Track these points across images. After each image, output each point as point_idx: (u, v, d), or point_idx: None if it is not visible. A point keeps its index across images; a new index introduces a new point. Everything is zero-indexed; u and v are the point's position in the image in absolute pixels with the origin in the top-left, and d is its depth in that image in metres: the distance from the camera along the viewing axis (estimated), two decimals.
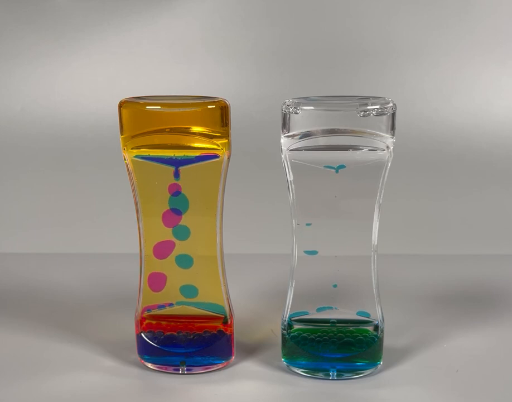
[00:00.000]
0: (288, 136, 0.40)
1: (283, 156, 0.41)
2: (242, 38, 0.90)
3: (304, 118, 0.40)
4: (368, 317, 0.43)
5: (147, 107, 0.40)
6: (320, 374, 0.43)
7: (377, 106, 0.39)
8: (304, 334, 0.43)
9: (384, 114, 0.39)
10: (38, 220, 0.78)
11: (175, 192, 0.42)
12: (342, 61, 0.89)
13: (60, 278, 0.62)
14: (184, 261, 0.43)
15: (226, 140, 0.41)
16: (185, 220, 0.42)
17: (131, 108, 0.40)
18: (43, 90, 0.90)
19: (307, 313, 0.44)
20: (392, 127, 0.40)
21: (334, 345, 0.43)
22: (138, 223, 0.43)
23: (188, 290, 0.44)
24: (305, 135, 0.40)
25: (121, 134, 0.41)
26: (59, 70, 0.90)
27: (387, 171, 0.41)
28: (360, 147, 0.40)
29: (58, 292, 0.59)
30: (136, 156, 0.41)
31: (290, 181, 0.41)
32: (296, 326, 0.44)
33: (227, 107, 0.41)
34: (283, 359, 0.44)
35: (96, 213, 0.78)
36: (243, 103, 0.86)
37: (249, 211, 0.76)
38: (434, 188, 0.82)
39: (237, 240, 0.59)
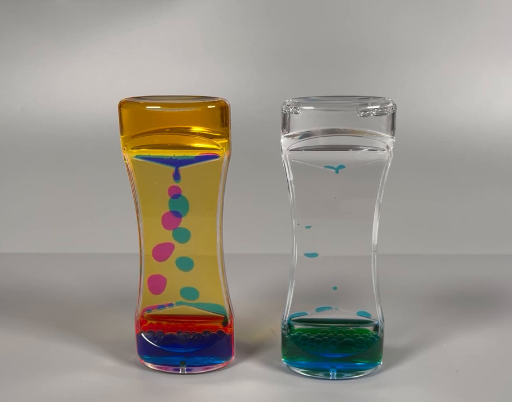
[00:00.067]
0: (288, 136, 0.40)
1: (283, 156, 0.41)
2: (242, 38, 0.90)
3: (304, 118, 0.40)
4: (369, 318, 0.43)
5: (147, 107, 0.40)
6: (320, 374, 0.43)
7: (377, 106, 0.39)
8: (304, 334, 0.43)
9: (384, 114, 0.39)
10: (38, 220, 0.78)
11: (176, 195, 0.42)
12: (342, 61, 0.89)
13: (60, 278, 0.62)
14: (185, 264, 0.43)
15: (226, 140, 0.41)
16: (185, 222, 0.42)
17: (131, 108, 0.40)
18: (43, 90, 0.90)
19: (307, 313, 0.44)
20: (392, 127, 0.40)
21: (334, 345, 0.43)
22: (138, 223, 0.43)
23: (189, 292, 0.44)
24: (305, 135, 0.40)
25: (121, 134, 0.41)
26: (59, 70, 0.90)
27: (387, 171, 0.41)
28: (360, 147, 0.40)
29: (58, 292, 0.59)
30: (136, 156, 0.41)
31: (290, 181, 0.41)
32: (296, 326, 0.44)
33: (227, 107, 0.41)
34: (283, 359, 0.44)
35: (96, 213, 0.78)
36: (243, 103, 0.86)
37: (249, 211, 0.76)
38: (434, 188, 0.82)
39: (237, 240, 0.59)
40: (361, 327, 0.43)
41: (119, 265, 0.64)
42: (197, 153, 0.41)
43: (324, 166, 0.40)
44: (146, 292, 0.44)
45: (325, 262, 0.42)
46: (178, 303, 0.44)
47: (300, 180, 0.41)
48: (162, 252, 0.43)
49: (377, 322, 0.43)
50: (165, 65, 0.90)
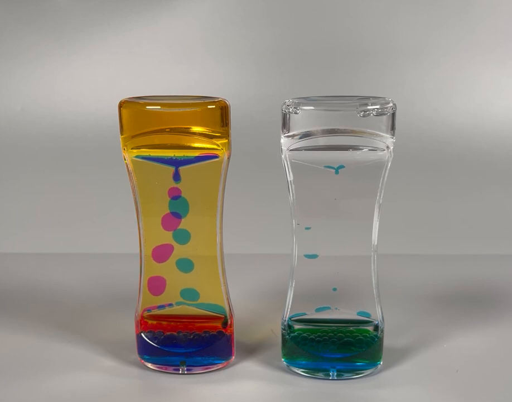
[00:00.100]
0: (288, 136, 0.40)
1: (283, 156, 0.41)
2: (242, 38, 0.90)
3: (304, 118, 0.40)
4: (369, 318, 0.43)
5: (147, 107, 0.40)
6: (320, 374, 0.43)
7: (377, 106, 0.39)
8: (304, 334, 0.43)
9: (384, 114, 0.39)
10: (38, 220, 0.78)
11: (176, 196, 0.42)
12: (342, 61, 0.89)
13: (60, 278, 0.62)
14: (185, 265, 0.43)
15: (226, 140, 0.41)
16: (185, 223, 0.42)
17: (131, 108, 0.40)
18: (43, 90, 0.90)
19: (307, 313, 0.44)
20: (392, 127, 0.40)
21: (334, 345, 0.43)
22: (138, 223, 0.43)
23: (189, 293, 0.44)
24: (305, 135, 0.40)
25: (121, 134, 0.41)
26: (59, 70, 0.90)
27: (387, 171, 0.41)
28: (360, 147, 0.40)
29: (58, 292, 0.59)
30: (136, 156, 0.41)
31: (290, 181, 0.41)
32: (296, 327, 0.44)
33: (227, 107, 0.41)
34: (283, 359, 0.44)
35: (96, 213, 0.78)
36: (243, 103, 0.86)
37: (249, 211, 0.76)
38: (434, 188, 0.82)
39: (237, 240, 0.59)
40: (361, 327, 0.43)
41: (119, 265, 0.64)
42: (197, 153, 0.41)
43: (324, 166, 0.40)
44: (146, 294, 0.44)
45: (325, 263, 0.42)
46: (178, 303, 0.44)
47: (300, 180, 0.41)
48: (161, 253, 0.43)
49: (377, 322, 0.43)
50: (165, 65, 0.90)
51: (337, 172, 0.40)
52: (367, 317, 0.43)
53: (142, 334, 0.44)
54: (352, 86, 0.89)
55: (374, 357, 0.43)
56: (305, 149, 0.40)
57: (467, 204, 0.79)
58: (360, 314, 0.43)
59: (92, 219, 0.77)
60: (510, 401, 0.41)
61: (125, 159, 0.41)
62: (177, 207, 0.42)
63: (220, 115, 0.40)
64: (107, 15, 0.90)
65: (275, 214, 0.63)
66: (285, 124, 0.40)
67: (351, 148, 0.40)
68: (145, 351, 0.44)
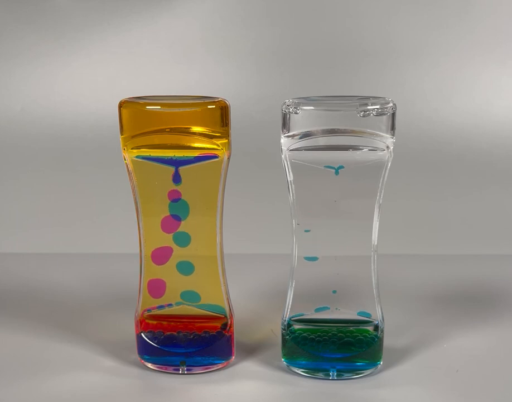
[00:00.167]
0: (288, 136, 0.40)
1: (283, 156, 0.41)
2: (242, 38, 0.90)
3: (304, 118, 0.40)
4: (369, 318, 0.43)
5: (147, 107, 0.40)
6: (320, 374, 0.43)
7: (377, 106, 0.39)
8: (304, 334, 0.43)
9: (384, 114, 0.39)
10: (38, 220, 0.78)
11: (175, 199, 0.42)
12: (342, 61, 0.89)
13: (60, 278, 0.62)
14: (186, 268, 0.43)
15: (226, 140, 0.41)
16: (185, 226, 0.42)
17: (131, 108, 0.40)
18: (43, 90, 0.90)
19: (307, 313, 0.44)
20: (392, 127, 0.40)
21: (334, 345, 0.43)
22: (138, 223, 0.43)
23: (190, 296, 0.44)
24: (305, 135, 0.40)
25: (121, 134, 0.41)
26: (59, 70, 0.90)
27: (387, 171, 0.41)
28: (360, 147, 0.40)
29: (58, 292, 0.59)
30: (136, 156, 0.41)
31: (290, 181, 0.41)
32: (296, 327, 0.44)
33: (227, 107, 0.41)
34: (283, 359, 0.44)
35: (96, 213, 0.78)
36: (243, 103, 0.86)
37: (249, 211, 0.76)
38: (434, 188, 0.82)
39: (237, 240, 0.59)
40: (361, 327, 0.43)
41: (119, 265, 0.64)
42: (196, 153, 0.41)
43: (324, 166, 0.40)
44: (146, 296, 0.44)
45: (326, 263, 0.42)
46: (178, 303, 0.44)
47: (300, 180, 0.41)
48: (161, 256, 0.43)
49: (377, 322, 0.43)
50: (165, 65, 0.90)
51: (337, 173, 0.40)
52: (367, 317, 0.43)
53: (142, 334, 0.44)
54: (352, 86, 0.89)
55: (374, 357, 0.43)
56: (305, 149, 0.40)
57: (467, 204, 0.79)
58: (360, 314, 0.43)
59: (92, 219, 0.77)
60: (510, 401, 0.41)
61: (125, 159, 0.41)
62: (177, 210, 0.42)
63: (220, 115, 0.40)
64: (107, 15, 0.90)
65: (275, 214, 0.63)
66: (285, 124, 0.40)
67: (351, 148, 0.40)
68: (145, 351, 0.44)
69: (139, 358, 0.45)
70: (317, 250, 0.42)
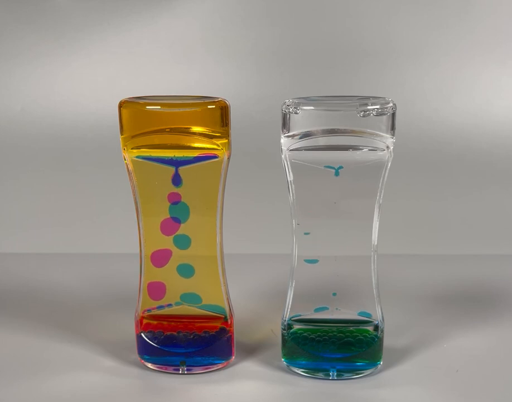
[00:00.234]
0: (288, 136, 0.40)
1: (283, 156, 0.41)
2: (242, 38, 0.90)
3: (304, 118, 0.40)
4: (370, 318, 0.43)
5: (147, 107, 0.40)
6: (320, 374, 0.43)
7: (377, 106, 0.39)
8: (305, 334, 0.43)
9: (384, 114, 0.39)
10: (38, 220, 0.78)
11: (175, 202, 0.42)
12: (342, 61, 0.89)
13: (60, 278, 0.62)
14: (186, 271, 0.43)
15: (226, 140, 0.41)
16: (185, 228, 0.42)
17: (131, 108, 0.40)
18: (43, 90, 0.90)
19: (307, 313, 0.44)
20: (392, 127, 0.40)
21: (334, 345, 0.43)
22: (138, 223, 0.43)
23: (190, 297, 0.44)
24: (305, 135, 0.40)
25: (121, 134, 0.41)
26: (59, 70, 0.90)
27: (387, 171, 0.41)
28: (360, 147, 0.40)
29: (58, 292, 0.59)
30: (136, 156, 0.41)
31: (290, 181, 0.41)
32: (296, 327, 0.44)
33: (227, 107, 0.41)
34: (283, 359, 0.44)
35: (96, 213, 0.78)
36: (243, 103, 0.86)
37: (249, 211, 0.76)
38: (434, 188, 0.82)
39: (237, 240, 0.59)
40: (361, 327, 0.43)
41: (119, 265, 0.64)
42: (196, 154, 0.41)
43: (324, 166, 0.40)
44: (146, 297, 0.44)
45: (326, 264, 0.42)
46: (177, 303, 0.44)
47: (300, 180, 0.41)
48: (160, 258, 0.43)
49: (377, 322, 0.43)
50: (165, 65, 0.90)
51: (337, 174, 0.40)
52: (368, 317, 0.43)
53: (142, 334, 0.44)
54: (352, 86, 0.89)
55: (374, 357, 0.43)
56: (305, 149, 0.40)
57: (467, 204, 0.79)
58: (360, 314, 0.43)
59: (92, 219, 0.77)
60: (510, 401, 0.41)
61: (125, 160, 0.41)
62: (177, 213, 0.42)
63: (220, 115, 0.40)
64: (107, 15, 0.90)
65: (275, 214, 0.63)
66: (285, 124, 0.40)
67: (351, 148, 0.40)
68: (145, 351, 0.44)
69: (139, 358, 0.45)
70: (317, 251, 0.42)
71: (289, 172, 0.41)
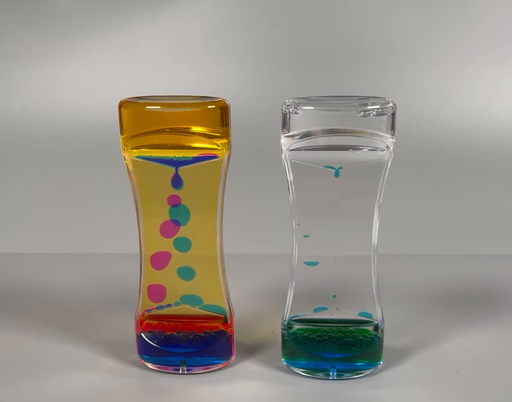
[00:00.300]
0: (288, 136, 0.40)
1: (283, 156, 0.41)
2: (242, 38, 0.90)
3: (304, 118, 0.40)
4: (370, 318, 0.43)
5: (147, 107, 0.40)
6: (320, 374, 0.43)
7: (377, 106, 0.39)
8: (305, 334, 0.43)
9: (384, 114, 0.39)
10: (38, 220, 0.78)
11: (175, 204, 0.42)
12: (342, 61, 0.89)
13: (60, 278, 0.62)
14: (186, 273, 0.43)
15: (226, 140, 0.41)
16: (185, 231, 0.42)
17: (131, 108, 0.40)
18: (43, 90, 0.90)
19: (307, 313, 0.44)
20: (392, 127, 0.40)
21: (334, 345, 0.43)
22: (138, 223, 0.43)
23: (191, 299, 0.44)
24: (305, 135, 0.40)
25: (121, 134, 0.41)
26: (59, 70, 0.90)
27: (387, 171, 0.41)
28: (360, 147, 0.40)
29: (58, 292, 0.59)
30: (136, 156, 0.41)
31: (290, 181, 0.41)
32: (296, 326, 0.44)
33: (227, 107, 0.41)
34: (283, 359, 0.44)
35: (96, 213, 0.78)
36: (243, 103, 0.86)
37: (249, 211, 0.76)
38: (434, 188, 0.82)
39: (237, 240, 0.59)
40: (361, 327, 0.43)
41: (119, 265, 0.64)
42: (196, 154, 0.41)
43: (324, 166, 0.40)
44: (145, 299, 0.44)
45: (326, 264, 0.42)
46: (177, 303, 0.44)
47: (300, 180, 0.41)
48: (160, 260, 0.43)
49: (377, 322, 0.43)
50: (165, 65, 0.90)
51: (337, 175, 0.40)
52: (368, 317, 0.43)
53: (142, 334, 0.44)
54: (352, 86, 0.89)
55: (374, 357, 0.43)
56: (305, 149, 0.40)
57: (467, 204, 0.79)
58: (361, 314, 0.43)
59: (92, 219, 0.77)
60: (510, 401, 0.41)
61: (125, 160, 0.41)
62: (177, 215, 0.42)
63: (220, 115, 0.40)
64: (107, 15, 0.90)
65: (275, 214, 0.63)
66: (285, 124, 0.40)
67: (351, 148, 0.40)
68: (145, 351, 0.44)
69: (139, 358, 0.45)
70: (317, 251, 0.42)
71: (289, 172, 0.41)
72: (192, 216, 0.42)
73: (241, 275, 0.58)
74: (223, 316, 0.44)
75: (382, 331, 0.43)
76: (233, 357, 0.45)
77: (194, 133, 0.40)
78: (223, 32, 0.90)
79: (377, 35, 0.89)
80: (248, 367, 0.45)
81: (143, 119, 0.40)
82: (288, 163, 0.41)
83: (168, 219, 0.42)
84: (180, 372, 0.44)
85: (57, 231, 0.75)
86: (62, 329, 0.51)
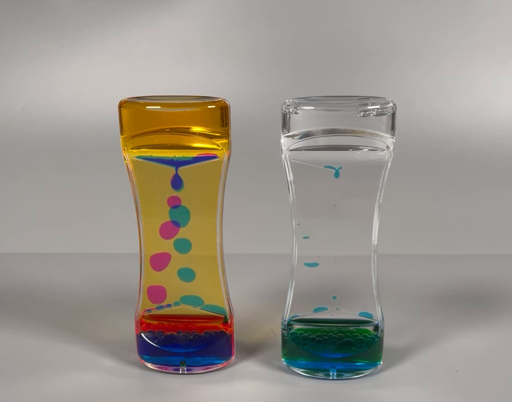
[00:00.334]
0: (288, 136, 0.40)
1: (283, 156, 0.41)
2: (242, 38, 0.90)
3: (304, 118, 0.40)
4: (371, 318, 0.43)
5: (147, 107, 0.40)
6: (320, 374, 0.43)
7: (377, 106, 0.39)
8: (305, 334, 0.43)
9: (384, 114, 0.39)
10: (38, 220, 0.78)
11: (175, 206, 0.42)
12: (342, 61, 0.89)
13: (60, 278, 0.62)
14: (187, 275, 0.43)
15: (226, 140, 0.41)
16: (185, 232, 0.42)
17: (131, 108, 0.40)
18: (43, 90, 0.90)
19: (307, 313, 0.44)
20: (392, 127, 0.40)
21: (334, 345, 0.43)
22: (138, 223, 0.43)
23: (192, 300, 0.44)
24: (305, 135, 0.40)
25: (121, 134, 0.41)
26: (59, 70, 0.90)
27: (387, 171, 0.41)
28: (360, 147, 0.40)
29: (58, 292, 0.59)
30: (136, 156, 0.41)
31: (290, 181, 0.41)
32: (296, 326, 0.44)
33: (227, 107, 0.41)
34: (283, 359, 0.44)
35: (96, 213, 0.78)
36: (243, 103, 0.86)
37: (249, 211, 0.76)
38: (434, 188, 0.82)
39: (237, 240, 0.59)
40: (361, 327, 0.43)
41: (119, 265, 0.64)
42: (195, 154, 0.41)
43: (324, 166, 0.40)
44: (145, 300, 0.44)
45: (326, 265, 0.42)
46: (176, 303, 0.44)
47: (300, 180, 0.41)
48: (159, 262, 0.43)
49: (377, 322, 0.43)
50: (165, 65, 0.90)
51: (337, 176, 0.40)
52: (369, 317, 0.43)
53: (142, 334, 0.44)
54: (352, 86, 0.89)
55: (374, 357, 0.43)
56: (305, 149, 0.40)
57: (467, 204, 0.79)
58: (362, 314, 0.43)
59: (92, 219, 0.77)
60: (510, 401, 0.41)
61: (125, 159, 0.41)
62: (177, 216, 0.42)
63: (220, 115, 0.40)
64: (107, 15, 0.90)
65: (275, 214, 0.63)
66: (285, 124, 0.40)
67: (351, 148, 0.40)
68: (145, 351, 0.44)
69: (139, 358, 0.45)
70: (317, 251, 0.42)
71: (289, 172, 0.41)
72: (192, 217, 0.42)
73: (241, 275, 0.58)
74: (223, 316, 0.44)
75: (382, 331, 0.43)
76: (233, 357, 0.45)
77: (194, 133, 0.40)
78: (223, 32, 0.90)
79: (377, 35, 0.89)
80: (248, 367, 0.45)
81: (143, 119, 0.40)
82: (288, 163, 0.41)
83: (168, 220, 0.42)
84: (180, 372, 0.44)
85: (57, 231, 0.75)
86: (62, 329, 0.51)
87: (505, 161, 0.85)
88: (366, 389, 0.42)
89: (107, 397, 0.41)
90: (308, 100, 0.40)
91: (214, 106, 0.40)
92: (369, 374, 0.43)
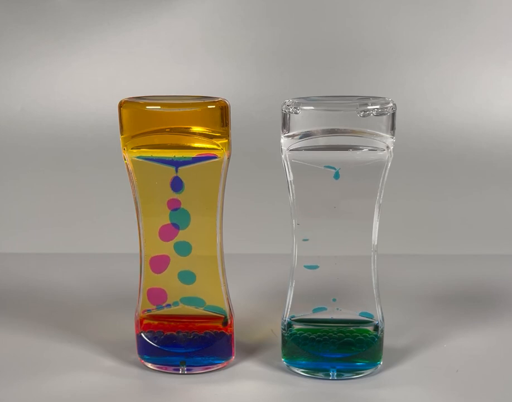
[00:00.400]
0: (288, 136, 0.40)
1: (283, 156, 0.41)
2: (242, 38, 0.90)
3: (304, 118, 0.40)
4: (371, 318, 0.43)
5: (147, 107, 0.40)
6: (320, 374, 0.43)
7: (377, 106, 0.39)
8: (305, 334, 0.43)
9: (384, 114, 0.39)
10: (38, 220, 0.78)
11: (175, 208, 0.42)
12: (342, 61, 0.89)
13: (60, 278, 0.62)
14: (187, 277, 0.43)
15: (226, 140, 0.41)
16: (185, 234, 0.42)
17: (131, 108, 0.40)
18: (43, 90, 0.90)
19: (306, 313, 0.44)
20: (392, 127, 0.40)
21: (334, 345, 0.43)
22: (138, 223, 0.43)
23: (192, 301, 0.44)
24: (305, 135, 0.40)
25: (121, 134, 0.41)
26: (59, 70, 0.90)
27: (387, 171, 0.41)
28: (360, 147, 0.40)
29: (58, 292, 0.59)
30: (136, 156, 0.41)
31: (290, 181, 0.41)
32: (296, 326, 0.44)
33: (227, 107, 0.41)
34: (283, 359, 0.44)
35: (96, 213, 0.78)
36: (243, 103, 0.86)
37: (249, 211, 0.76)
38: (434, 188, 0.82)
39: (237, 240, 0.59)
40: (361, 327, 0.43)
41: (119, 265, 0.64)
42: (195, 154, 0.41)
43: (324, 166, 0.40)
44: (145, 301, 0.44)
45: (326, 265, 0.42)
46: (176, 303, 0.44)
47: (300, 180, 0.41)
48: (159, 264, 0.43)
49: (377, 322, 0.43)
50: (165, 65, 0.90)
51: (336, 177, 0.40)
52: (369, 318, 0.43)
53: (142, 334, 0.44)
54: (352, 86, 0.89)
55: (374, 357, 0.43)
56: (305, 149, 0.40)
57: (467, 204, 0.79)
58: (362, 314, 0.43)
59: (92, 219, 0.77)
60: (510, 401, 0.41)
61: (125, 160, 0.41)
62: (177, 219, 0.42)
63: (220, 115, 0.40)
64: (107, 15, 0.90)
65: (275, 214, 0.63)
66: (285, 124, 0.40)
67: (351, 148, 0.40)
68: (145, 351, 0.44)
69: (139, 358, 0.45)
70: (317, 251, 0.42)
71: (289, 172, 0.41)
72: (192, 218, 0.42)
73: (241, 275, 0.58)
74: (223, 316, 0.44)
75: (382, 331, 0.43)
76: (233, 357, 0.45)
77: (194, 133, 0.40)
78: (223, 32, 0.90)
79: (377, 35, 0.89)
80: (248, 367, 0.45)
81: (143, 119, 0.40)
82: (288, 163, 0.41)
83: (168, 222, 0.42)
84: (180, 372, 0.44)
85: (57, 231, 0.75)
86: (62, 329, 0.51)
87: (505, 161, 0.85)
88: (366, 389, 0.42)
89: (107, 397, 0.41)
90: (308, 100, 0.40)
91: (214, 106, 0.40)
92: (369, 374, 0.43)
